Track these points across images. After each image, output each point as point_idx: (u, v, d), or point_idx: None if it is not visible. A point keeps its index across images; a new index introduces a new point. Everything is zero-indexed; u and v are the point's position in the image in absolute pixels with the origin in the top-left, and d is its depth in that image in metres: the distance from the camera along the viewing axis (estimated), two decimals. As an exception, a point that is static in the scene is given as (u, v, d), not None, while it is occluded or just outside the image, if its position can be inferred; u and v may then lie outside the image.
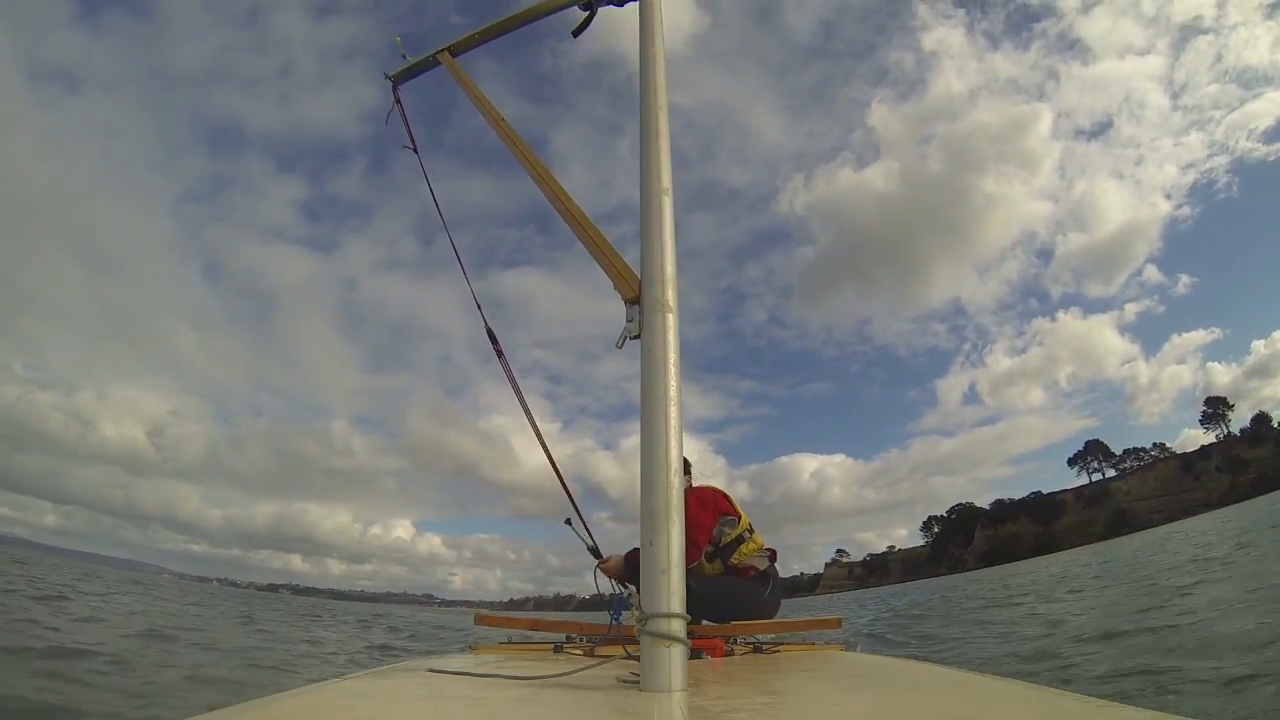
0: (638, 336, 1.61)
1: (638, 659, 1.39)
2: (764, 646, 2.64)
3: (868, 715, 1.25)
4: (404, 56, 3.02)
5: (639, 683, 1.33)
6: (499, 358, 2.49)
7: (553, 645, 2.55)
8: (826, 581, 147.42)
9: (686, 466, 3.62)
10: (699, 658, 2.31)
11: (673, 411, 1.47)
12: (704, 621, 3.05)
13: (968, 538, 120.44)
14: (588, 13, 2.53)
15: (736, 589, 3.25)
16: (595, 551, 2.94)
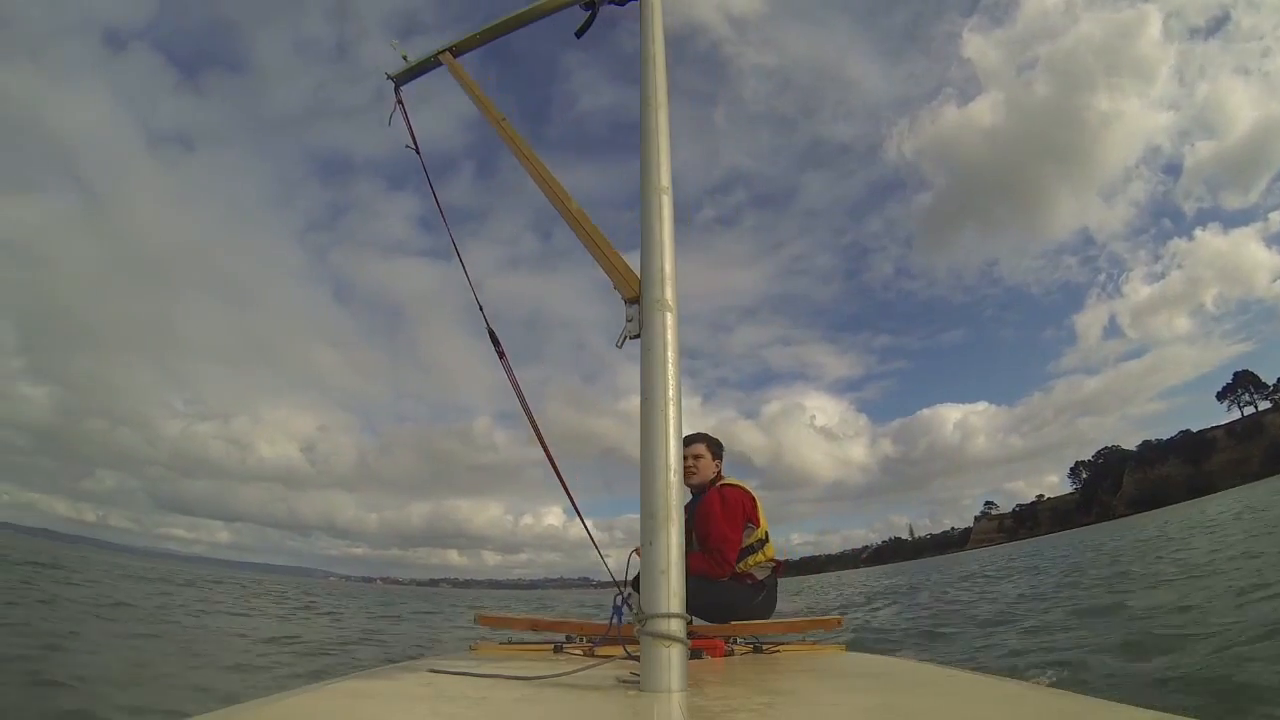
0: (637, 336, 1.60)
1: (638, 659, 1.39)
2: (764, 646, 2.64)
3: (868, 715, 1.24)
4: (404, 58, 3.02)
5: (639, 683, 1.33)
6: (500, 359, 2.49)
7: (553, 645, 2.55)
8: (976, 536, 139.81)
9: (719, 449, 3.61)
10: (699, 658, 2.31)
11: (672, 411, 1.47)
12: (694, 620, 3.06)
13: (1116, 483, 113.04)
14: (589, 12, 2.53)
15: (730, 592, 3.25)
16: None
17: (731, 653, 2.54)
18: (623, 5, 2.44)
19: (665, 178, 1.74)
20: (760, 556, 3.32)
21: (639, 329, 1.60)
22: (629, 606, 1.45)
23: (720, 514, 3.27)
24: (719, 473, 3.58)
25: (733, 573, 3.27)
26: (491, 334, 2.53)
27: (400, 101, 3.05)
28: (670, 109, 1.87)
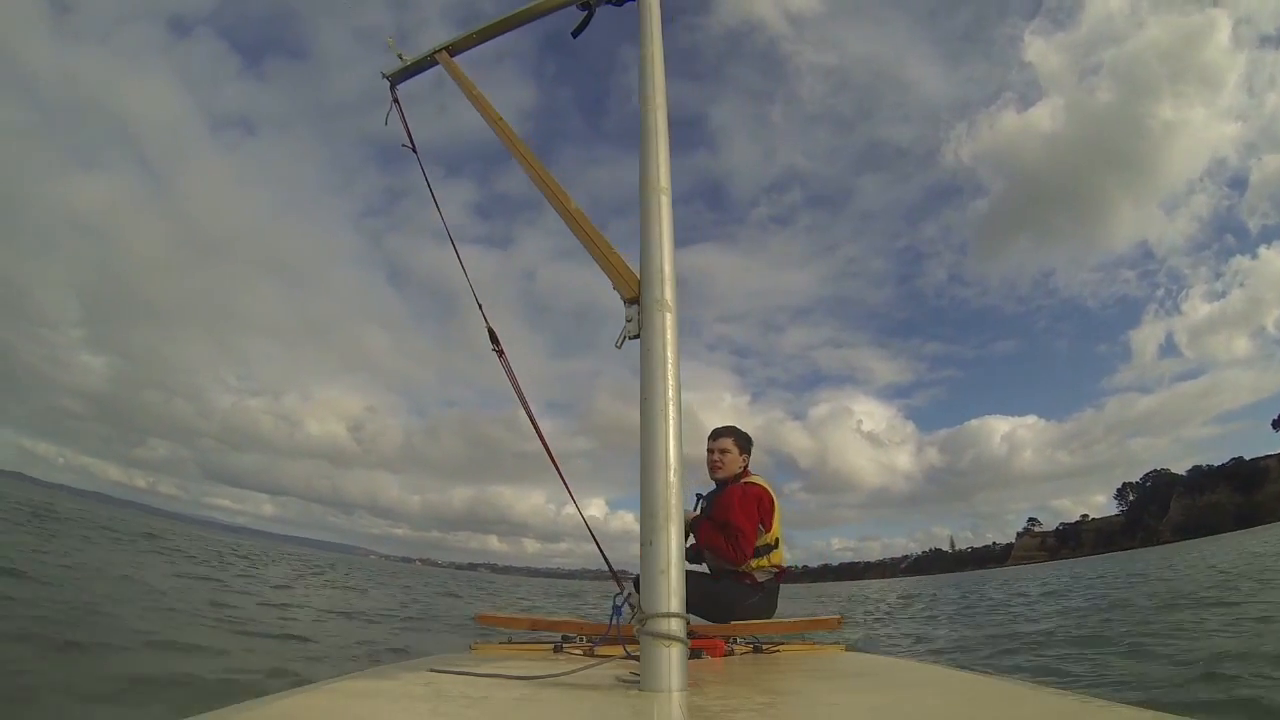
0: (637, 336, 1.60)
1: (637, 659, 1.39)
2: (764, 646, 2.65)
3: (868, 715, 1.24)
4: (400, 57, 3.01)
5: (639, 682, 1.33)
6: (500, 357, 2.49)
7: (553, 645, 2.55)
8: (1018, 552, 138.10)
9: (746, 444, 3.59)
10: (698, 657, 2.31)
11: (672, 411, 1.47)
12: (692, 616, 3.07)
13: (1163, 507, 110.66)
14: (586, 12, 2.53)
15: (728, 590, 3.26)
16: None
17: (731, 653, 2.54)
18: (620, 5, 2.43)
19: (664, 178, 1.74)
20: (764, 561, 3.31)
21: (638, 329, 1.60)
22: (629, 605, 1.46)
23: (739, 506, 3.27)
24: (745, 468, 3.55)
25: (734, 570, 3.27)
26: (490, 332, 2.53)
27: (397, 100, 3.04)
28: (669, 110, 1.87)
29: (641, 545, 1.38)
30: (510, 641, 2.89)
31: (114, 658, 4.07)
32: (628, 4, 2.37)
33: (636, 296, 1.65)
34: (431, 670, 1.65)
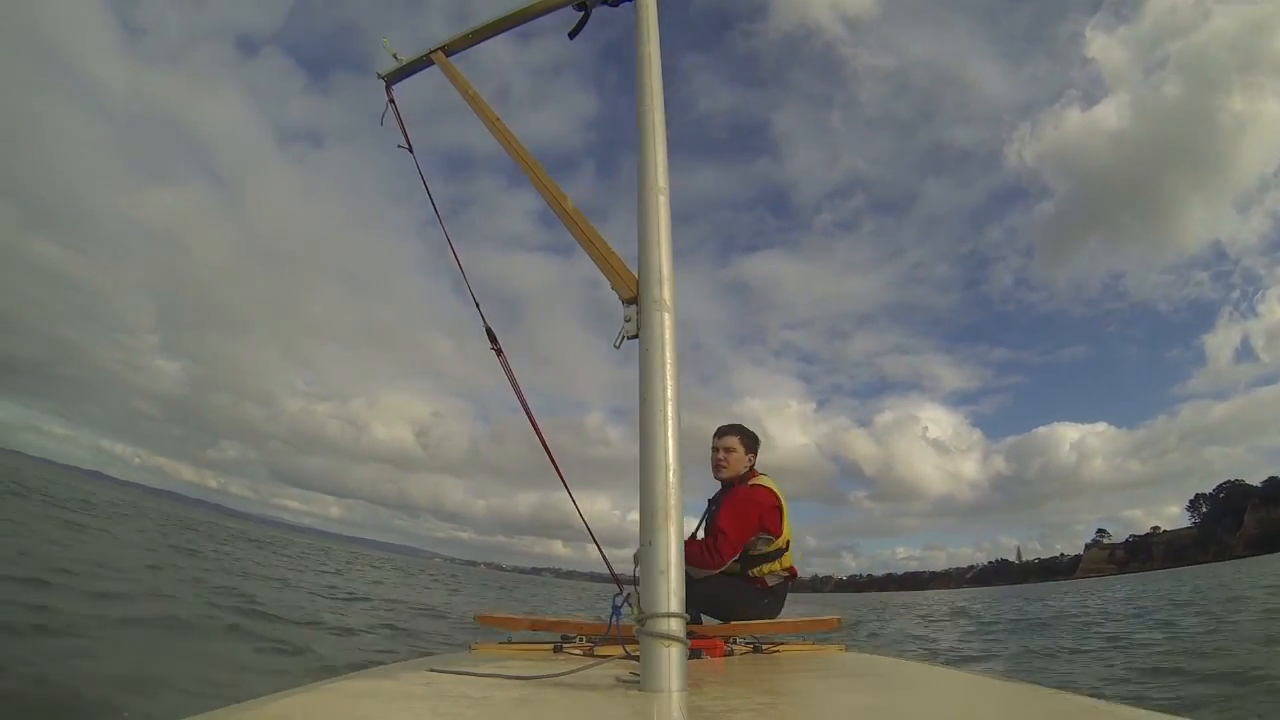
0: (635, 336, 1.60)
1: (637, 659, 1.39)
2: (764, 646, 2.65)
3: (868, 715, 1.25)
4: (395, 57, 3.01)
5: (638, 682, 1.33)
6: (499, 356, 2.49)
7: (552, 645, 2.55)
8: (1086, 565, 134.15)
9: (753, 443, 3.49)
10: (698, 657, 2.31)
11: (670, 411, 1.47)
12: (696, 615, 3.06)
13: (1237, 520, 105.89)
14: (582, 13, 2.52)
15: (735, 592, 3.24)
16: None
17: (731, 653, 2.54)
18: (616, 6, 2.43)
19: (662, 178, 1.74)
20: (775, 565, 3.25)
21: (636, 329, 1.60)
22: (629, 605, 1.46)
23: (728, 512, 3.21)
24: (751, 468, 3.45)
25: (727, 570, 3.25)
26: (489, 331, 2.53)
27: (392, 100, 3.04)
28: (666, 112, 1.87)
29: (641, 545, 1.38)
30: (510, 641, 2.88)
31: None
32: (624, 4, 2.37)
33: (635, 297, 1.65)
34: (431, 670, 1.65)
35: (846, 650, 2.75)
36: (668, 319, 1.58)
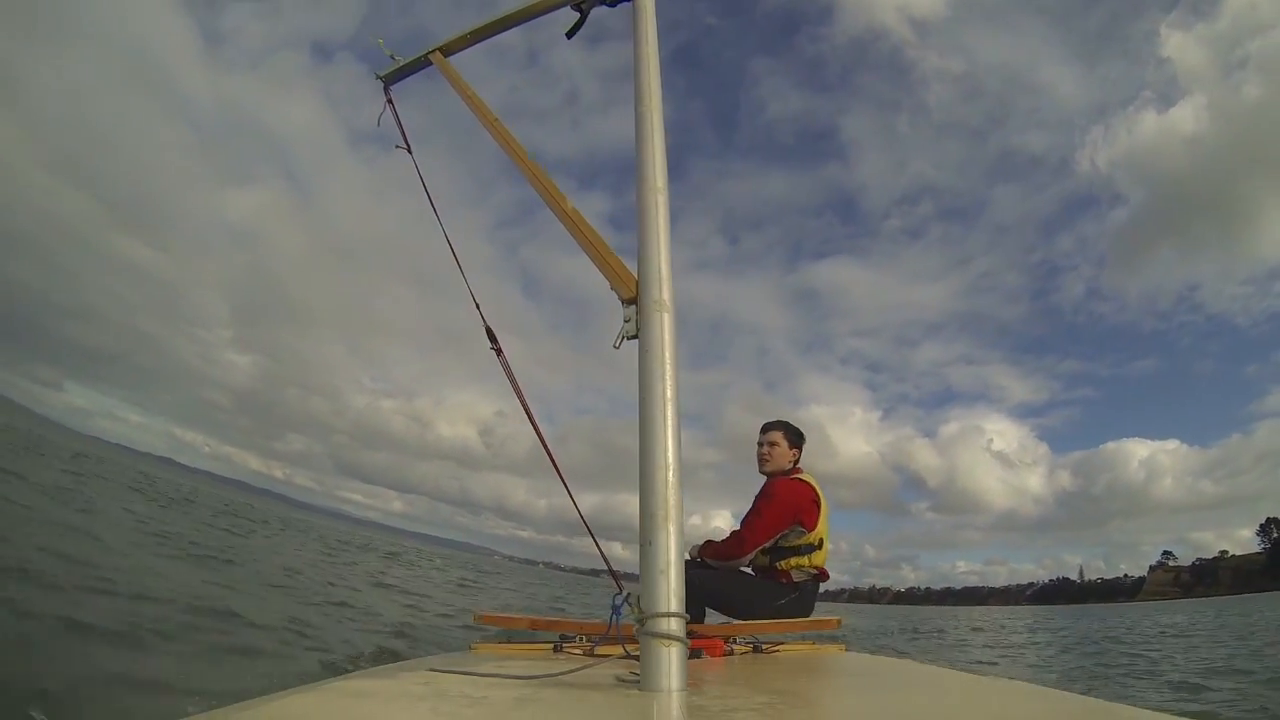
0: (635, 337, 1.60)
1: (637, 658, 1.39)
2: (764, 646, 2.65)
3: (868, 715, 1.25)
4: (392, 57, 3.01)
5: (638, 682, 1.33)
6: (498, 356, 2.50)
7: (552, 645, 2.55)
8: (1150, 587, 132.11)
9: (797, 439, 3.55)
10: (698, 657, 2.31)
11: (670, 411, 1.47)
12: (706, 618, 3.06)
13: None
14: (580, 14, 2.52)
15: (755, 588, 3.24)
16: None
17: (731, 653, 2.54)
18: (614, 6, 2.43)
19: (661, 178, 1.74)
20: (804, 560, 3.24)
21: (636, 330, 1.60)
22: (629, 605, 1.46)
23: (765, 504, 3.25)
24: (795, 464, 3.51)
25: (770, 567, 3.25)
26: (489, 331, 2.54)
27: (390, 101, 3.05)
28: (664, 112, 1.87)
29: (641, 545, 1.38)
30: (510, 641, 2.89)
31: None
32: (622, 4, 2.37)
33: (634, 297, 1.65)
34: (431, 670, 1.65)
35: (846, 650, 2.75)
36: (667, 319, 1.58)
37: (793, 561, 3.23)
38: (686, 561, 3.40)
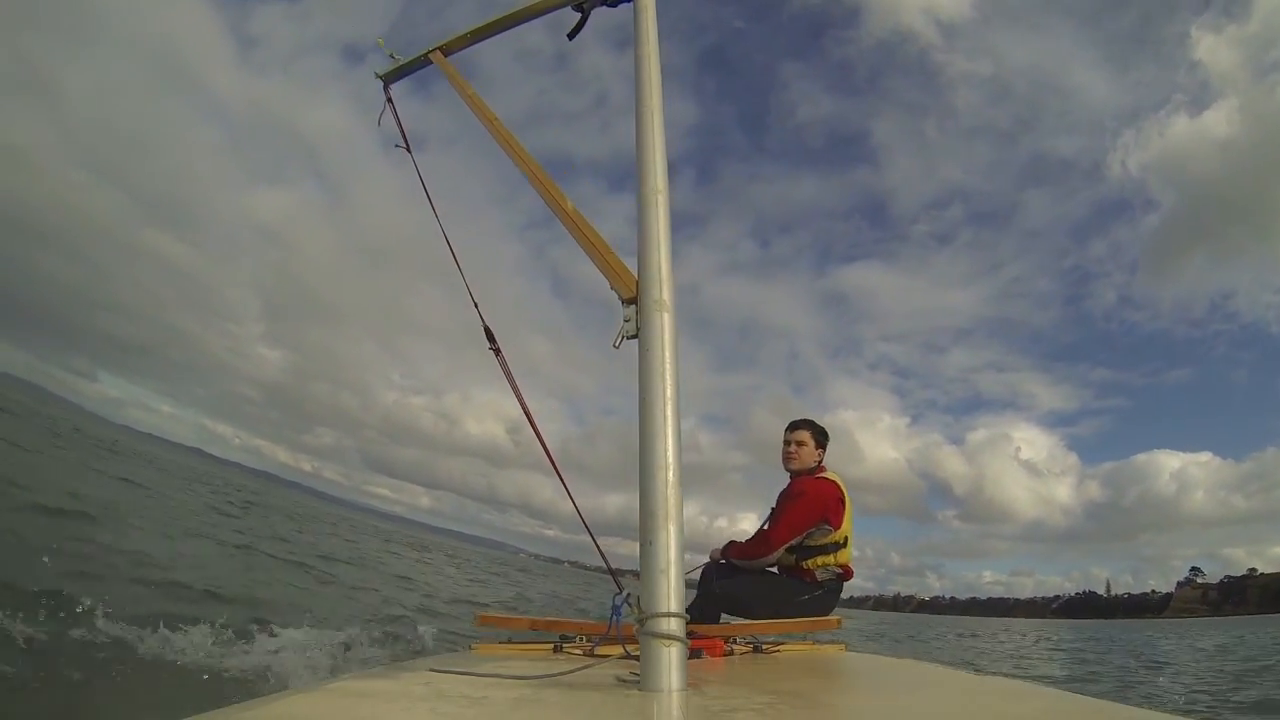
0: (635, 336, 1.60)
1: (637, 658, 1.39)
2: (764, 646, 2.65)
3: (868, 715, 1.25)
4: (391, 56, 3.01)
5: (639, 682, 1.33)
6: (497, 356, 2.50)
7: (552, 645, 2.55)
8: (1177, 604, 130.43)
9: (823, 438, 3.57)
10: (698, 657, 2.31)
11: (670, 411, 1.47)
12: (721, 619, 3.09)
13: None
14: (581, 14, 2.52)
15: (779, 587, 3.26)
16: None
17: (731, 653, 2.54)
18: (614, 6, 2.43)
19: (661, 179, 1.74)
20: (829, 559, 3.26)
21: (636, 330, 1.60)
22: (629, 605, 1.46)
23: (792, 503, 3.27)
24: (820, 463, 3.54)
25: (794, 565, 3.27)
26: (487, 331, 2.54)
27: (390, 100, 3.05)
28: (664, 112, 1.87)
29: (641, 545, 1.39)
30: (510, 641, 2.89)
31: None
32: (623, 5, 2.37)
33: (635, 297, 1.65)
34: (431, 670, 1.65)
35: (847, 650, 2.75)
36: (667, 319, 1.58)
37: (818, 560, 3.25)
38: (709, 565, 3.42)
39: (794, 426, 3.60)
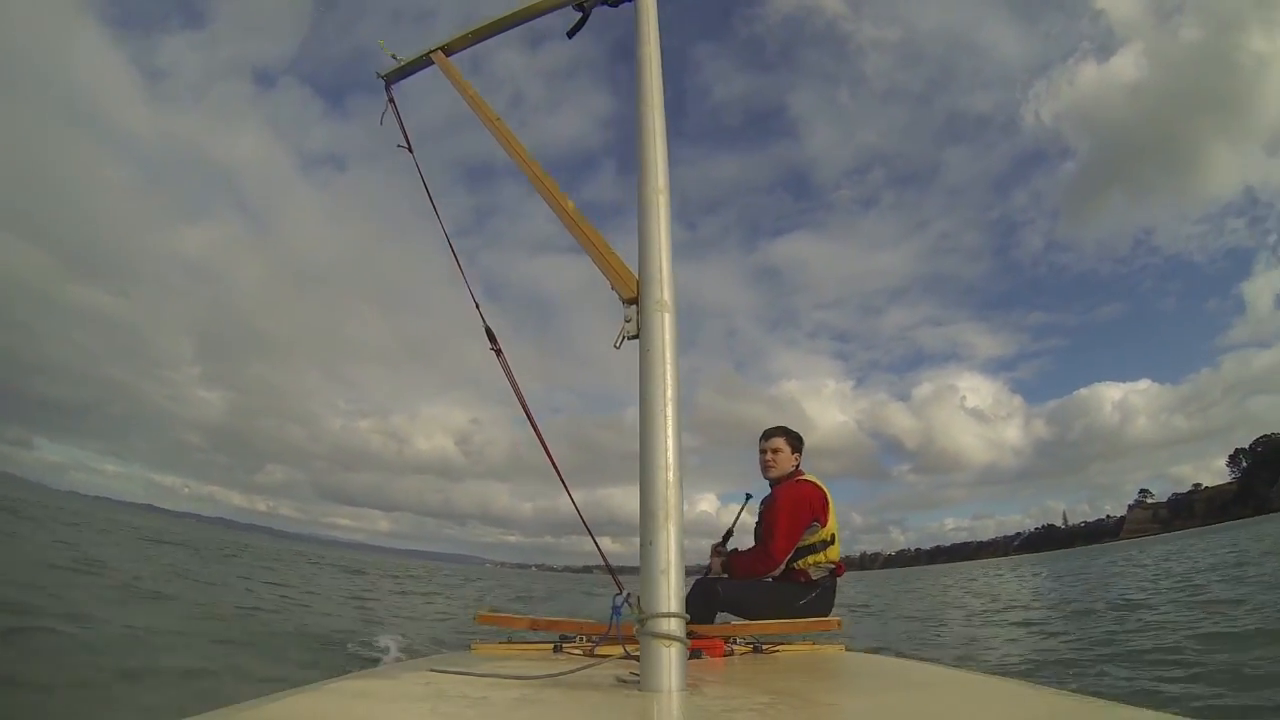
0: (635, 336, 1.60)
1: (637, 659, 1.39)
2: (764, 646, 2.65)
3: (868, 715, 1.25)
4: (393, 57, 3.01)
5: (639, 682, 1.33)
6: (498, 356, 2.50)
7: (552, 645, 2.55)
8: (1130, 526, 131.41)
9: (798, 443, 3.58)
10: (698, 657, 2.31)
11: (670, 411, 1.47)
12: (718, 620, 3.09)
13: (1275, 474, 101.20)
14: (581, 13, 2.52)
15: (774, 591, 3.27)
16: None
17: (731, 653, 2.54)
18: (615, 6, 2.43)
19: (662, 178, 1.74)
20: (820, 557, 3.29)
21: (637, 330, 1.60)
22: (629, 605, 1.46)
23: (785, 512, 3.28)
24: (797, 467, 3.55)
25: (784, 570, 3.28)
26: (488, 331, 2.54)
27: (392, 100, 3.05)
28: (665, 113, 1.87)
29: (641, 545, 1.38)
30: (510, 641, 2.89)
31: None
32: (624, 4, 2.37)
33: (635, 297, 1.65)
34: (431, 670, 1.65)
35: (847, 650, 2.75)
36: (668, 319, 1.58)
37: (810, 560, 3.27)
38: (710, 581, 3.42)
39: (768, 435, 3.61)
